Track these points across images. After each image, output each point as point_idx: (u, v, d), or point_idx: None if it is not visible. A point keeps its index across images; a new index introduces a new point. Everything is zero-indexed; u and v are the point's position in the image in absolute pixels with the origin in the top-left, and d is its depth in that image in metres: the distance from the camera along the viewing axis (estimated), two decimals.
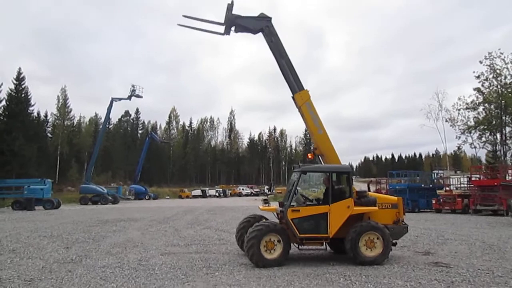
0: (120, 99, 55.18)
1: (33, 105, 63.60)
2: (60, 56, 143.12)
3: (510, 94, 40.11)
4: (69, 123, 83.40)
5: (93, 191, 49.09)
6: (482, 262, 9.95)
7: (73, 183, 65.25)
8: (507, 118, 41.69)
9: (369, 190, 11.32)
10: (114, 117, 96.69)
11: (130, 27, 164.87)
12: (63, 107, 79.98)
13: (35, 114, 69.38)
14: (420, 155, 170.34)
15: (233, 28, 12.37)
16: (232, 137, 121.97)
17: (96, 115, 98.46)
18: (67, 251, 11.79)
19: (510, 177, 31.34)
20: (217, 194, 75.68)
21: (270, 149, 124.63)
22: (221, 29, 12.49)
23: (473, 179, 31.70)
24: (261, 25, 11.99)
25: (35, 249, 12.10)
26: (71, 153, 79.03)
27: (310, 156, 11.95)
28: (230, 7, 12.07)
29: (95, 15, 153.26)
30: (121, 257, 10.72)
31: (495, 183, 28.16)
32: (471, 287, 7.36)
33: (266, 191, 79.23)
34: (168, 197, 72.84)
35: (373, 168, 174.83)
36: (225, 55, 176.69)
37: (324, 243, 10.13)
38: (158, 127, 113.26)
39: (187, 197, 72.21)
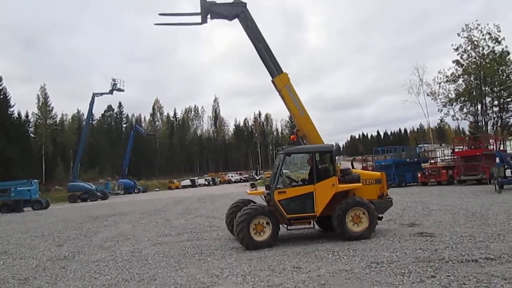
0: (101, 94, 54.69)
1: (13, 106, 62.69)
2: (33, 53, 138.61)
3: (488, 65, 40.66)
4: (51, 122, 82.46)
5: (81, 188, 48.80)
6: (465, 229, 10.30)
7: (61, 182, 64.62)
8: (486, 89, 42.31)
9: (352, 167, 11.55)
10: (97, 113, 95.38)
11: (104, 19, 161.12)
12: (44, 106, 78.85)
13: (16, 115, 68.40)
14: (405, 130, 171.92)
15: (209, 15, 12.38)
16: (217, 125, 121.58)
17: (78, 111, 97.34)
18: (60, 248, 11.86)
19: (491, 147, 32.10)
20: (206, 183, 75.78)
21: (256, 134, 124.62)
22: (198, 19, 12.49)
23: (456, 150, 32.35)
24: (236, 11, 12.03)
25: (27, 249, 12.14)
26: (56, 152, 78.13)
27: (293, 138, 12.14)
28: None
29: (66, 8, 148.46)
30: (114, 250, 10.84)
31: (478, 153, 28.87)
32: (454, 253, 7.65)
33: (254, 176, 79.60)
34: (157, 189, 72.72)
35: (359, 146, 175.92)
36: (204, 42, 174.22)
37: (312, 222, 10.38)
38: (142, 119, 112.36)
39: (177, 187, 72.18)
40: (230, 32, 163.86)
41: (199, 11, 12.29)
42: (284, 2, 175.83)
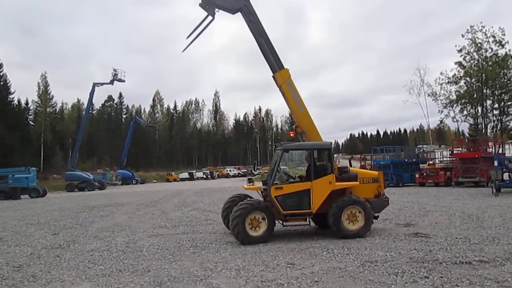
0: (102, 84, 54.58)
1: (13, 93, 62.53)
2: (32, 40, 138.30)
3: (490, 68, 40.57)
4: (51, 110, 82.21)
5: (79, 177, 48.80)
6: (460, 231, 10.32)
7: (59, 170, 64.54)
8: (487, 91, 42.23)
9: (350, 165, 11.55)
10: (97, 102, 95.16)
11: (104, 7, 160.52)
12: (44, 94, 78.61)
13: (16, 102, 68.24)
14: (405, 130, 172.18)
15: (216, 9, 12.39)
16: (217, 119, 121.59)
17: (78, 101, 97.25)
18: (55, 237, 11.87)
19: (490, 149, 32.08)
20: (204, 176, 75.86)
21: (256, 129, 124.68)
22: (209, 18, 12.49)
23: (455, 152, 32.31)
24: (239, 4, 11.98)
25: (22, 237, 12.15)
26: (55, 140, 77.96)
27: (291, 135, 12.13)
28: None
29: None
30: (109, 240, 10.85)
31: (476, 155, 28.82)
32: (448, 254, 7.66)
33: (252, 171, 79.59)
34: (155, 181, 72.78)
35: (359, 144, 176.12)
36: (204, 34, 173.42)
37: (308, 219, 10.39)
38: (142, 111, 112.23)
39: (175, 180, 72.24)
40: (229, 25, 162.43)
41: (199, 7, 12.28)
42: None
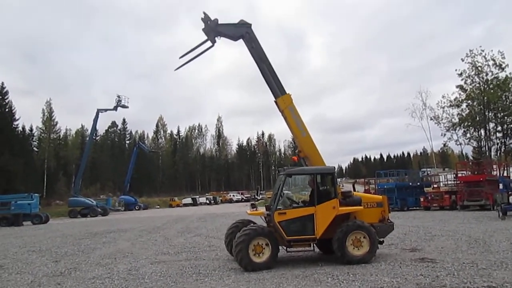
0: (106, 110, 55.10)
1: (17, 120, 63.06)
2: (35, 67, 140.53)
3: (492, 90, 40.77)
4: (55, 136, 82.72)
5: (82, 203, 48.69)
6: (467, 255, 10.15)
7: (62, 196, 64.54)
8: (490, 114, 42.35)
9: (354, 190, 11.48)
10: (101, 128, 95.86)
11: (105, 34, 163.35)
12: (49, 121, 79.29)
13: (20, 128, 68.72)
14: (408, 154, 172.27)
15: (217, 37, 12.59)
16: (220, 144, 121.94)
17: (82, 127, 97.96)
18: (56, 264, 11.74)
19: (495, 172, 31.91)
20: (208, 202, 75.43)
21: (259, 154, 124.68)
22: (208, 43, 12.71)
23: (459, 175, 32.16)
24: (241, 31, 12.18)
25: (23, 264, 12.02)
26: (58, 166, 78.25)
27: (295, 159, 12.12)
28: (206, 18, 12.32)
29: (67, 24, 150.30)
30: (111, 267, 10.71)
31: (481, 178, 28.65)
32: (456, 280, 7.52)
33: (255, 196, 79.18)
34: (158, 206, 72.45)
35: (362, 168, 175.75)
36: (205, 60, 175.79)
37: (312, 244, 10.25)
38: (145, 136, 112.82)
39: (178, 205, 71.86)
40: (230, 50, 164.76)
41: (201, 31, 12.49)
42: (285, 22, 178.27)
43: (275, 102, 12.04)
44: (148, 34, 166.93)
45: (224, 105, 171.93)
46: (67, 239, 19.08)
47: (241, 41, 12.36)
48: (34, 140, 79.62)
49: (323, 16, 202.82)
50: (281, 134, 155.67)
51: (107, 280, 9.07)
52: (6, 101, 59.75)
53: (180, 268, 10.08)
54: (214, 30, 12.38)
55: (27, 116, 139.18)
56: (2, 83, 60.11)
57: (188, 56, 13.11)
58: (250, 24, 12.27)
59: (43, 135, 79.89)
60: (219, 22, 12.46)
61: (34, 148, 77.63)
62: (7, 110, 59.59)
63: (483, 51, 41.46)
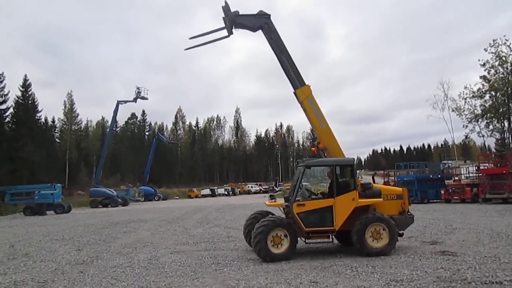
0: (125, 101, 55.68)
1: (40, 111, 64.25)
2: (55, 59, 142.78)
3: None
4: (76, 128, 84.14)
5: (103, 194, 49.47)
6: (489, 249, 9.99)
7: (83, 187, 65.71)
8: None
9: (373, 182, 11.38)
10: (121, 120, 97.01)
11: (122, 26, 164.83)
12: (70, 112, 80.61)
13: (43, 120, 70.05)
14: (429, 145, 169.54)
15: (233, 26, 12.54)
16: (239, 135, 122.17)
17: (102, 118, 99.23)
18: (79, 253, 12.00)
19: None
20: (226, 193, 75.85)
21: (277, 146, 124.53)
22: (224, 32, 12.67)
23: (481, 167, 31.55)
24: (260, 22, 12.12)
25: (47, 252, 12.32)
26: (80, 157, 79.69)
27: (313, 151, 12.06)
28: (226, 7, 12.26)
29: (86, 16, 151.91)
30: (132, 256, 10.90)
31: (504, 171, 28.05)
32: (477, 274, 7.41)
33: (274, 187, 79.30)
34: (177, 197, 73.20)
35: (381, 160, 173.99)
36: (222, 51, 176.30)
37: (331, 236, 10.24)
38: (164, 128, 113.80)
39: (196, 196, 72.51)
40: (247, 42, 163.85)
41: (221, 22, 12.47)
42: (303, 12, 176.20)
43: (294, 93, 11.98)
44: (167, 26, 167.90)
45: (242, 96, 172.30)
46: (89, 229, 19.46)
47: (259, 32, 12.31)
48: (56, 131, 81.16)
49: (341, 6, 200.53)
50: (300, 126, 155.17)
51: (128, 269, 9.23)
52: (29, 93, 60.81)
53: (199, 258, 10.19)
54: (233, 20, 12.35)
55: (47, 108, 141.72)
56: (25, 76, 61.22)
57: (200, 39, 13.05)
58: (269, 15, 12.20)
59: (64, 126, 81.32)
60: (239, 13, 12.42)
61: (56, 140, 79.18)
62: (30, 102, 60.68)
63: (507, 40, 40.39)
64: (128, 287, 7.49)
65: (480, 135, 44.03)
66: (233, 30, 12.64)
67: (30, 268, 9.89)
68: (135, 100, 55.55)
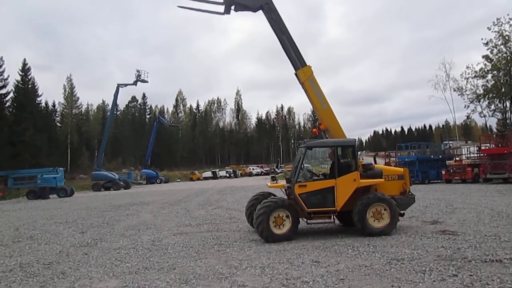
0: (126, 85, 55.50)
1: (40, 96, 64.14)
2: (51, 42, 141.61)
3: None
4: (77, 112, 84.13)
5: (105, 177, 49.77)
6: (489, 228, 10.05)
7: (85, 170, 66.08)
8: None
9: (375, 162, 11.40)
10: (121, 103, 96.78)
11: (119, 8, 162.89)
12: (70, 96, 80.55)
13: (43, 104, 69.97)
14: (430, 126, 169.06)
15: (233, 7, 12.35)
16: (240, 118, 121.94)
17: (103, 102, 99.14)
18: (83, 235, 12.12)
19: None
20: (227, 175, 76.15)
21: (278, 128, 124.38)
22: (221, 8, 12.46)
23: (482, 148, 31.53)
24: (260, 2, 11.94)
25: (51, 235, 12.45)
26: (81, 141, 79.94)
27: (315, 132, 12.05)
28: None
29: None
30: (135, 238, 11.00)
31: (505, 151, 28.07)
32: (477, 252, 7.47)
33: (275, 169, 79.51)
34: (179, 180, 73.55)
35: (383, 141, 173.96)
36: (220, 32, 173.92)
37: (332, 217, 10.31)
38: (165, 110, 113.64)
39: (198, 179, 72.84)
40: (245, 22, 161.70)
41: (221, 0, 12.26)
42: None
43: (295, 74, 11.90)
44: (164, 7, 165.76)
45: (241, 78, 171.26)
46: (92, 212, 19.62)
47: (259, 12, 12.15)
48: (57, 115, 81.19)
49: None
50: (301, 107, 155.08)
51: (132, 250, 9.33)
52: (29, 77, 60.63)
53: (202, 239, 10.28)
54: (232, 0, 12.16)
55: (46, 91, 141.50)
56: (24, 60, 61.00)
57: (196, 4, 12.80)
58: None
59: (65, 110, 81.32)
60: None
61: (57, 124, 79.25)
62: (30, 86, 60.52)
63: (511, 19, 39.92)
64: (132, 268, 7.58)
65: (482, 115, 43.93)
66: (231, 11, 12.44)
67: (35, 250, 10.00)
68: (135, 83, 55.38)
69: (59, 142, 70.94)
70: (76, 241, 11.13)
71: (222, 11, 12.42)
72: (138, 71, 55.30)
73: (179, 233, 11.55)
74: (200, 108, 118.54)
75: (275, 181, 11.09)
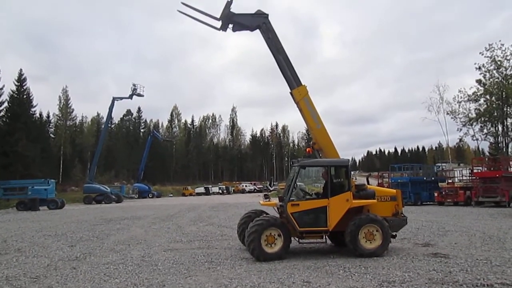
0: (121, 98, 55.36)
1: (35, 106, 63.89)
2: (46, 54, 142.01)
3: (511, 85, 39.99)
4: (71, 123, 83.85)
5: (96, 190, 49.32)
6: (481, 252, 10.06)
7: (77, 182, 65.53)
8: (508, 110, 41.57)
9: (367, 183, 11.43)
10: (116, 116, 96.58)
11: (115, 21, 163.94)
12: (65, 107, 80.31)
13: (37, 115, 69.69)
14: (423, 148, 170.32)
15: (230, 26, 12.49)
16: (234, 134, 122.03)
17: (98, 114, 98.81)
18: (72, 249, 11.96)
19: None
20: (220, 191, 75.85)
21: (272, 145, 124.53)
22: (218, 24, 12.59)
23: (475, 171, 31.73)
24: (258, 22, 12.11)
25: (40, 248, 12.28)
26: (74, 153, 79.41)
27: (308, 151, 12.08)
28: (228, 4, 12.20)
29: (77, 11, 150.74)
30: (125, 254, 10.88)
31: (497, 175, 28.26)
32: (469, 276, 7.46)
33: (268, 187, 79.32)
34: (171, 195, 73.08)
35: (376, 162, 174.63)
36: (216, 48, 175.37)
37: (324, 236, 10.27)
38: (160, 125, 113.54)
39: (191, 194, 72.36)
40: (240, 39, 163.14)
41: (217, 14, 12.39)
42: (297, 10, 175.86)
43: (291, 93, 12.00)
44: (160, 21, 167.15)
45: (236, 94, 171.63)
46: (82, 225, 19.40)
47: (255, 31, 12.29)
48: (50, 126, 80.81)
49: (336, 4, 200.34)
50: (295, 125, 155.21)
51: (121, 265, 9.22)
52: (24, 87, 60.48)
53: (193, 256, 10.19)
54: (230, 18, 12.30)
55: (40, 102, 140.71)
56: (21, 70, 60.87)
57: (193, 12, 12.89)
58: (267, 15, 12.19)
59: (59, 122, 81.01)
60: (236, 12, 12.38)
61: (51, 135, 78.83)
62: (25, 97, 60.35)
63: (502, 45, 40.69)
64: (121, 284, 7.48)
65: (474, 138, 44.38)
66: (229, 30, 12.56)
67: (23, 263, 9.85)
68: (131, 96, 55.28)
69: (52, 153, 70.40)
70: (64, 254, 10.98)
71: (219, 28, 12.55)
72: (134, 84, 55.33)
73: (169, 249, 11.44)
74: (194, 124, 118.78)
75: (267, 199, 11.07)
